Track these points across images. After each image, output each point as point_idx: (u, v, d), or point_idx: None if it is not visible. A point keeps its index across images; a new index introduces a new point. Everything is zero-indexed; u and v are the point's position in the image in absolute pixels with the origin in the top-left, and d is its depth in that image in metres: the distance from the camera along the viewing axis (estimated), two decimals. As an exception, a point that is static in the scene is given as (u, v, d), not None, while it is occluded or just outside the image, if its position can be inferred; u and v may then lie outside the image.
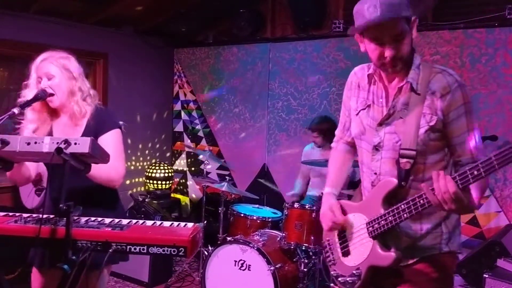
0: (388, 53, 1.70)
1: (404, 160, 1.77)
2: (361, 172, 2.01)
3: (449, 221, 1.84)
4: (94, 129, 2.21)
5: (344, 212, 1.99)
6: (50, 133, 2.24)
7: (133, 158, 5.72)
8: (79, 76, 2.24)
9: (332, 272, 2.05)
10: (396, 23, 1.66)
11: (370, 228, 1.83)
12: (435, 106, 1.73)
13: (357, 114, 1.96)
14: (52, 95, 2.14)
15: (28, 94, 2.15)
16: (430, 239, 1.82)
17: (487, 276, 3.08)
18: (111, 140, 2.18)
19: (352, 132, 2.03)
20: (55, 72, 2.16)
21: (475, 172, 1.52)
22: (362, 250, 1.88)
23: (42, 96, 2.11)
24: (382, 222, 1.79)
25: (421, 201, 1.66)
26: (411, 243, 1.83)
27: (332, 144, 2.24)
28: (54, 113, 2.27)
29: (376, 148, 1.87)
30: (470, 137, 1.73)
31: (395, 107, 1.81)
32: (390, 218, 1.76)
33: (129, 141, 5.63)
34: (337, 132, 2.21)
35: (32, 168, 2.26)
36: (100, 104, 2.33)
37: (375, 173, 1.89)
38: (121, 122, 2.33)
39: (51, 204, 2.20)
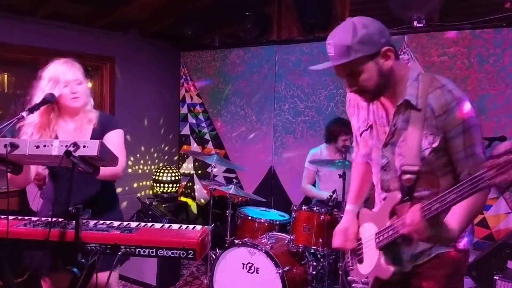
0: (346, 86, 1.74)
1: (407, 176, 1.73)
2: (375, 183, 1.99)
3: None
4: (101, 132, 2.32)
5: (361, 221, 2.01)
6: (55, 138, 2.28)
7: (141, 161, 5.72)
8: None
9: (349, 278, 2.05)
10: (348, 64, 1.65)
11: (377, 239, 1.83)
12: (435, 124, 1.67)
13: (360, 135, 1.94)
14: (53, 99, 2.18)
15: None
16: None
17: (497, 278, 3.06)
18: (114, 137, 2.34)
19: (360, 151, 2.03)
20: (81, 78, 2.30)
21: (437, 205, 1.53)
22: (371, 260, 1.88)
23: (50, 100, 2.13)
24: (385, 234, 1.78)
25: None
26: (426, 246, 1.81)
27: (352, 156, 2.22)
28: (60, 117, 2.33)
29: (384, 168, 1.85)
30: (468, 155, 1.66)
31: (396, 125, 1.77)
32: (391, 231, 1.75)
33: (142, 148, 5.67)
34: (353, 144, 2.18)
35: (33, 171, 2.30)
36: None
37: (386, 191, 1.87)
38: None
39: (55, 207, 2.23)
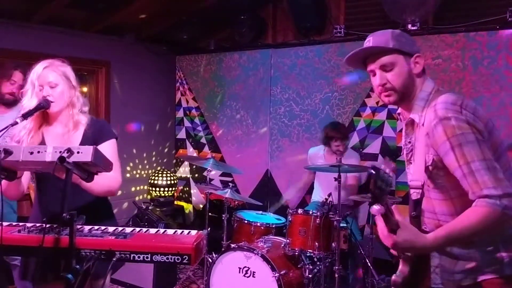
0: (376, 84, 1.78)
1: (413, 191, 1.75)
2: None
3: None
4: (93, 138, 2.22)
5: None
6: (42, 141, 2.22)
7: (137, 165, 5.72)
8: (77, 85, 2.27)
9: None
10: (385, 53, 1.74)
11: None
12: (429, 143, 1.68)
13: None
14: (48, 104, 2.15)
15: (28, 102, 2.15)
16: (489, 263, 1.68)
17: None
18: (109, 150, 2.19)
19: None
20: (58, 80, 2.17)
21: None
22: None
23: (44, 105, 2.11)
24: None
25: None
26: (468, 266, 1.71)
27: None
28: (46, 121, 2.26)
29: (411, 187, 1.82)
30: (463, 173, 1.56)
31: (410, 142, 1.83)
32: None
33: (138, 152, 5.67)
34: None
35: (25, 182, 2.24)
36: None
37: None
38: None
39: (43, 213, 2.20)
